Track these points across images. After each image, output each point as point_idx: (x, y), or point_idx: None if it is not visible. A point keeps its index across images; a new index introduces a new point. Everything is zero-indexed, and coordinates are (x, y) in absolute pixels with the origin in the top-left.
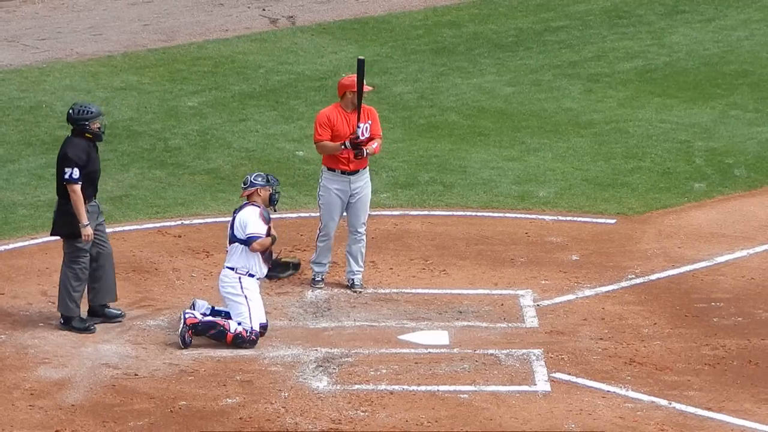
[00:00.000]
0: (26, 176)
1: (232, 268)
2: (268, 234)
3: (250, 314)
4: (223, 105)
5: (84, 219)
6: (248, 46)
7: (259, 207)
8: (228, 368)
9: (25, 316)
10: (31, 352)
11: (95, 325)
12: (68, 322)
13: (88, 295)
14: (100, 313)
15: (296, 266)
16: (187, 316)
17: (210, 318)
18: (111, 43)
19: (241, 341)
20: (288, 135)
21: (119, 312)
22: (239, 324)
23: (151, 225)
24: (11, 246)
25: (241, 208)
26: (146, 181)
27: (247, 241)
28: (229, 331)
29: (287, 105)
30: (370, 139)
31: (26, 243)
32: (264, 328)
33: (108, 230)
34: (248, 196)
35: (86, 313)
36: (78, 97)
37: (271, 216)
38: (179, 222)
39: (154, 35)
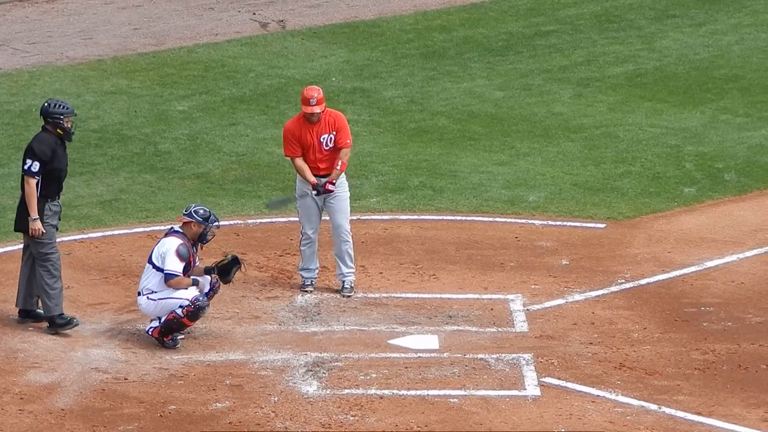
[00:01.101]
0: (16, 180)
1: (140, 293)
2: (186, 269)
3: (177, 297)
4: (213, 109)
5: (34, 213)
6: (238, 50)
7: (181, 240)
8: (218, 372)
9: (15, 320)
10: (20, 357)
11: (76, 318)
12: (52, 323)
13: (18, 297)
14: (31, 315)
15: (236, 261)
16: (150, 332)
17: (164, 318)
18: (101, 47)
19: (194, 314)
20: (278, 139)
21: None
22: (181, 307)
23: (141, 229)
24: (0, 250)
25: (167, 234)
26: (136, 186)
27: (165, 277)
28: (181, 316)
29: (277, 109)
30: (333, 156)
31: (16, 247)
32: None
33: (98, 234)
34: (183, 224)
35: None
36: (67, 101)
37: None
38: (169, 226)
39: (144, 39)
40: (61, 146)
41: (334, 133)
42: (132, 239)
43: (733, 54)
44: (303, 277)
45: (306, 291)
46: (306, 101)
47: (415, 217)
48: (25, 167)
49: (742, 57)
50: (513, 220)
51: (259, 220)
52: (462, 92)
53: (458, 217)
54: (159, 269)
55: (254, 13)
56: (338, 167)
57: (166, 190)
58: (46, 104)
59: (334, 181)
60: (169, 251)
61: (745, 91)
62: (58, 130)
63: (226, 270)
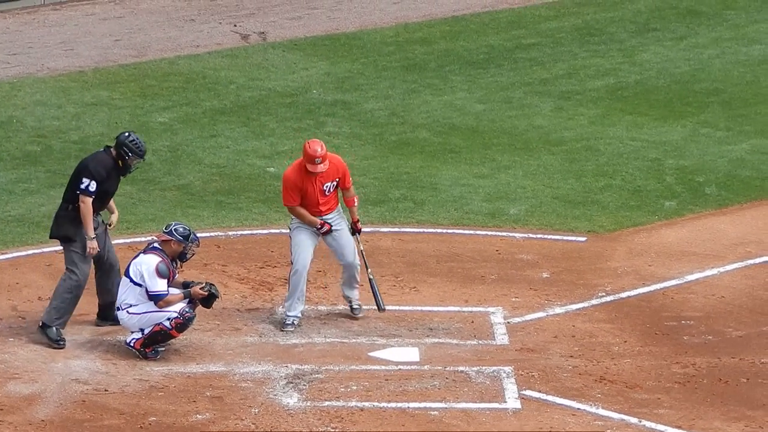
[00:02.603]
0: None
1: (118, 308)
2: (168, 283)
3: (164, 309)
4: (194, 121)
5: (91, 231)
6: (219, 61)
7: (159, 257)
8: (198, 384)
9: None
10: (0, 368)
11: (65, 341)
12: (44, 329)
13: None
14: (109, 318)
15: (214, 296)
16: (132, 343)
17: (149, 330)
18: (82, 59)
19: (183, 326)
20: (259, 151)
21: None
22: (168, 319)
23: (121, 240)
24: None
25: (146, 250)
26: (117, 197)
27: (153, 299)
28: (169, 328)
29: (258, 121)
30: (332, 198)
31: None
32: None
33: None
34: (163, 241)
35: (96, 316)
36: (48, 112)
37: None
38: (150, 238)
39: (126, 50)
40: (116, 171)
41: (338, 180)
42: None
43: (714, 68)
44: (287, 315)
45: (286, 330)
46: (311, 159)
47: (396, 229)
48: (82, 186)
49: (722, 71)
50: (494, 233)
51: (239, 232)
52: (443, 105)
53: (439, 230)
54: (136, 284)
55: (235, 25)
56: (356, 204)
57: (147, 202)
58: (126, 134)
59: (358, 218)
60: (149, 272)
61: (725, 104)
62: (119, 161)
63: (204, 302)
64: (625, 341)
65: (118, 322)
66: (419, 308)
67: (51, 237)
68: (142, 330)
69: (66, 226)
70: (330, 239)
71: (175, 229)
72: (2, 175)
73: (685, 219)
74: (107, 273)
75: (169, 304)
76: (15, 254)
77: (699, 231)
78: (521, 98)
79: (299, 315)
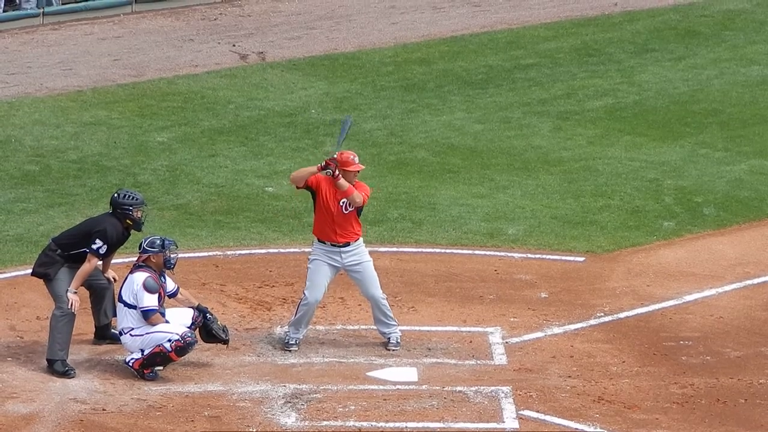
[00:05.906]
0: None
1: (121, 333)
2: (160, 300)
3: (165, 331)
4: (193, 140)
5: (76, 286)
6: (218, 81)
7: (147, 273)
8: (196, 404)
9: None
10: None
11: (74, 371)
12: (51, 365)
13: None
14: (107, 336)
15: (226, 342)
16: (131, 363)
17: (149, 351)
18: (81, 78)
19: (183, 350)
20: (257, 171)
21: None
22: (169, 341)
23: (119, 260)
24: None
25: (133, 270)
26: None
27: (143, 314)
28: (169, 351)
29: (257, 141)
30: (349, 222)
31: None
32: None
33: None
34: (144, 260)
35: (93, 335)
36: (47, 131)
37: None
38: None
39: (124, 70)
40: (124, 234)
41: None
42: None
43: (713, 88)
44: (289, 335)
45: (289, 349)
46: (350, 162)
47: (395, 249)
48: (94, 247)
49: (721, 91)
50: (492, 253)
51: (238, 252)
52: (441, 125)
53: (437, 250)
54: (130, 306)
55: (234, 45)
56: (353, 191)
57: (145, 222)
58: (115, 195)
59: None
60: (137, 288)
61: (724, 125)
62: (127, 221)
63: (213, 337)
64: (624, 361)
65: (117, 339)
66: (417, 328)
67: (33, 275)
68: (142, 350)
69: (53, 268)
70: (353, 274)
71: (149, 244)
72: (0, 194)
73: (684, 239)
74: (101, 295)
75: (157, 322)
76: (13, 274)
77: (697, 251)
78: (520, 118)
79: (301, 337)
